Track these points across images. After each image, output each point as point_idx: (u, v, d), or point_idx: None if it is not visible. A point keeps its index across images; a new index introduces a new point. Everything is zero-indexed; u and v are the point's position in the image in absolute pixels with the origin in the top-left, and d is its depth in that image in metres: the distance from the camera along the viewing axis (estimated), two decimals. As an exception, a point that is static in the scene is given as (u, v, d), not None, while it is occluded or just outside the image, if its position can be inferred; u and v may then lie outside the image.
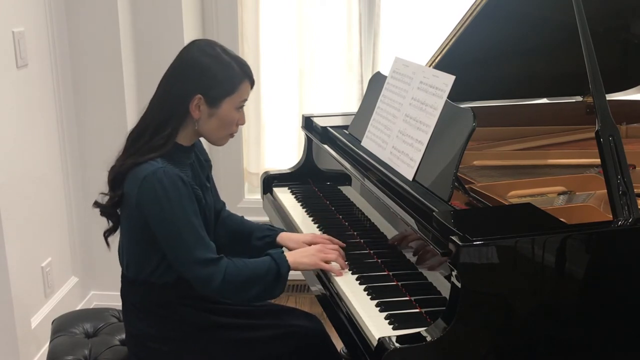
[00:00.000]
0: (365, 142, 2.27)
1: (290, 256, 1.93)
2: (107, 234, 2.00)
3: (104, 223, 2.07)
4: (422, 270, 1.83)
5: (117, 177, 1.88)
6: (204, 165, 2.06)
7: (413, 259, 1.87)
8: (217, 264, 1.82)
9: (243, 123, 1.95)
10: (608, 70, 1.86)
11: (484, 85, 2.63)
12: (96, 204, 1.95)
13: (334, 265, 1.95)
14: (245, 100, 1.91)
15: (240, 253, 2.04)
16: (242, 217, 2.22)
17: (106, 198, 1.94)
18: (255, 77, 1.94)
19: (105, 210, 1.94)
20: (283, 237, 2.12)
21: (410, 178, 1.94)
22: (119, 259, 2.00)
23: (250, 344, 1.97)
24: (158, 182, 1.78)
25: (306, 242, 2.08)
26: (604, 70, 1.77)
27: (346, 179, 2.44)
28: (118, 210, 1.94)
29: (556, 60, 2.59)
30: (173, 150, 1.87)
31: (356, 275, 1.92)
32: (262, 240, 2.13)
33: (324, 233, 2.24)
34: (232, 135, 1.96)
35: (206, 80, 1.84)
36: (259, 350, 1.97)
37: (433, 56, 2.45)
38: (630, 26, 2.62)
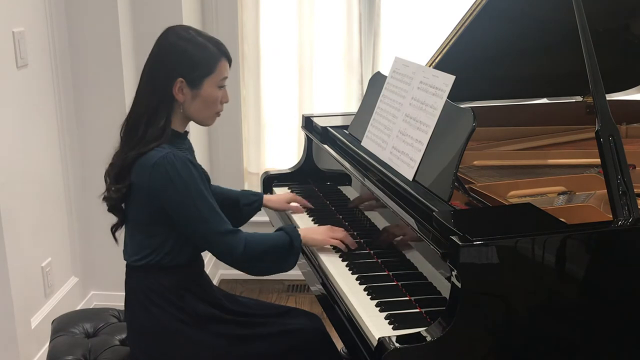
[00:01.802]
0: (365, 142, 2.27)
1: (302, 232, 2.03)
2: (114, 229, 2.03)
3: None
4: (422, 270, 1.83)
5: (122, 170, 1.91)
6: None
7: (409, 254, 1.88)
8: (237, 234, 1.91)
9: (227, 101, 2.00)
10: (608, 70, 1.86)
11: (484, 85, 2.63)
12: (105, 199, 1.97)
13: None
14: (226, 78, 1.97)
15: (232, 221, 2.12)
16: (218, 185, 2.29)
17: (111, 193, 1.95)
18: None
19: (114, 203, 1.96)
20: (265, 199, 2.37)
21: (410, 178, 1.95)
22: (124, 255, 2.01)
23: (251, 339, 1.99)
24: (170, 165, 1.83)
25: (287, 201, 2.40)
26: (604, 70, 1.77)
27: (346, 179, 2.44)
28: (122, 205, 1.97)
29: (556, 60, 2.59)
30: (172, 137, 1.92)
31: (356, 275, 1.92)
32: (250, 207, 2.32)
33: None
34: (218, 114, 2.01)
35: (184, 62, 1.90)
36: (258, 347, 1.98)
37: (433, 56, 2.45)
38: (630, 26, 2.62)
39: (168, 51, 1.91)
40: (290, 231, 2.00)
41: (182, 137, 1.98)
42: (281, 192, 2.59)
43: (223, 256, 1.93)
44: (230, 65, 1.98)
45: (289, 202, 2.40)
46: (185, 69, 1.89)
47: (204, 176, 1.94)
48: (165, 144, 1.88)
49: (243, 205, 2.29)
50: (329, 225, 2.13)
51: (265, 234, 1.99)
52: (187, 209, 1.86)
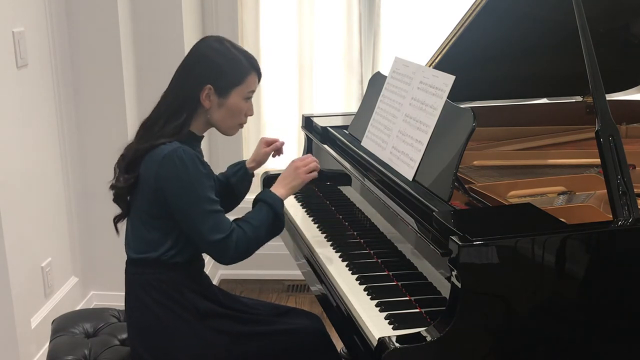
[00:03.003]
0: (365, 142, 2.27)
1: (279, 189, 2.02)
2: (117, 220, 2.05)
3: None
4: (422, 270, 1.83)
5: (134, 160, 1.93)
6: None
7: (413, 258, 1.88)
8: (227, 240, 1.89)
9: (251, 114, 2.03)
10: (608, 70, 1.86)
11: (484, 85, 2.63)
12: (112, 187, 1.99)
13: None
14: (253, 91, 2.00)
15: (231, 202, 2.22)
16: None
17: (120, 182, 1.97)
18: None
19: (120, 192, 1.97)
20: (248, 163, 2.29)
21: (410, 178, 1.95)
22: (126, 248, 2.01)
23: (251, 337, 1.99)
24: (178, 159, 1.85)
25: (263, 148, 2.27)
26: (604, 70, 1.77)
27: (346, 179, 2.44)
28: (128, 198, 1.99)
29: (556, 60, 2.59)
30: (187, 137, 1.94)
31: (356, 276, 1.92)
32: (236, 176, 2.26)
33: (323, 233, 2.25)
34: (241, 126, 2.05)
35: (215, 71, 1.93)
36: (258, 346, 1.98)
37: (433, 56, 2.45)
38: (630, 26, 2.62)
39: (201, 59, 1.95)
40: (268, 198, 1.98)
41: (198, 140, 2.01)
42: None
43: (213, 257, 1.94)
44: (259, 81, 2.02)
45: (266, 147, 2.30)
46: (215, 77, 1.93)
47: (211, 175, 1.95)
48: (178, 141, 1.90)
49: (233, 182, 2.26)
50: (294, 163, 2.08)
51: (250, 217, 1.96)
52: (187, 206, 1.87)
